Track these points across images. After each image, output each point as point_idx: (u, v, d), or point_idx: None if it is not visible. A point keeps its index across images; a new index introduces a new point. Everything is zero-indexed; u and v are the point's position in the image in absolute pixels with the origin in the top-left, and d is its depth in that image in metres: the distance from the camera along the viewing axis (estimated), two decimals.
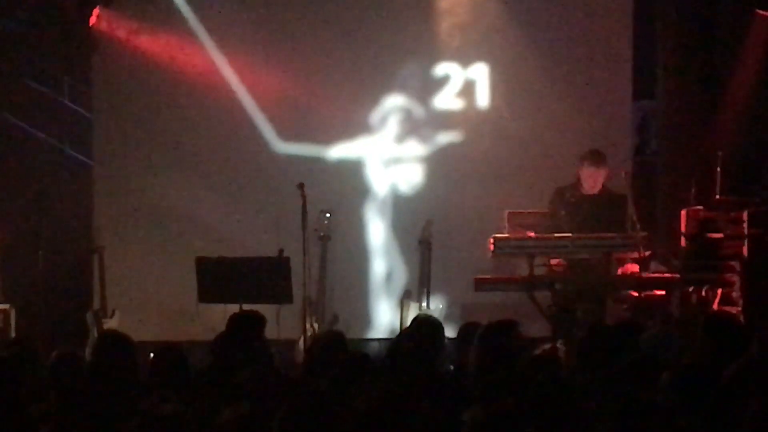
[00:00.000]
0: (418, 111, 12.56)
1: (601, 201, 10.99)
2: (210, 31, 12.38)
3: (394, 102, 12.54)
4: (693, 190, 11.35)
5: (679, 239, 11.32)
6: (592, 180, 11.09)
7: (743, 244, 11.11)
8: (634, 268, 10.92)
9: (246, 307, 9.42)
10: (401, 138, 12.57)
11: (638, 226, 10.58)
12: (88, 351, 9.70)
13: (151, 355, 9.98)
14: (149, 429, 5.08)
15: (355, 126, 12.51)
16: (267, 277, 10.34)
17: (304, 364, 7.33)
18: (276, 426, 5.00)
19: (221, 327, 7.83)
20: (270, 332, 8.19)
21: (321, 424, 5.01)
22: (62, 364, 6.76)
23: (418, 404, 5.78)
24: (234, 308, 9.45)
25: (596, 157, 11.09)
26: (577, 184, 11.22)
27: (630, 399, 5.56)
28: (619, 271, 10.94)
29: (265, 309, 8.62)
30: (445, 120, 12.52)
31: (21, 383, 6.37)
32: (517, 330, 7.19)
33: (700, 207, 11.32)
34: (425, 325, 7.46)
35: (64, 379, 6.60)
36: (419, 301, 11.46)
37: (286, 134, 12.51)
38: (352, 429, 5.21)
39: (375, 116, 12.54)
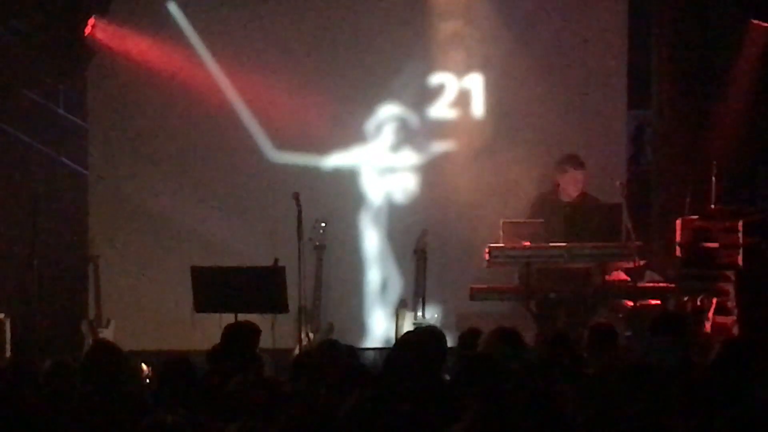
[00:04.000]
0: (413, 120, 12.56)
1: (596, 210, 11.03)
2: (205, 40, 12.38)
3: (389, 111, 12.54)
4: (688, 200, 11.36)
5: (674, 249, 11.33)
6: (576, 183, 11.17)
7: (738, 254, 11.11)
8: (622, 276, 10.94)
9: (241, 316, 9.42)
10: (396, 147, 12.58)
11: (633, 235, 10.62)
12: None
13: (143, 365, 9.99)
14: None
15: (350, 135, 12.51)
16: (262, 287, 10.33)
17: (298, 373, 7.30)
18: None
19: (216, 336, 7.83)
20: (265, 341, 8.21)
21: None
22: (55, 373, 6.75)
23: (415, 414, 5.78)
24: (229, 317, 9.46)
25: (578, 160, 11.22)
26: (555, 191, 11.27)
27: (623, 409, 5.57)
28: (607, 278, 10.96)
29: (260, 318, 8.64)
30: (440, 129, 12.53)
31: (18, 394, 6.36)
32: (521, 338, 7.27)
33: (695, 216, 11.33)
34: (429, 336, 7.46)
35: (57, 387, 6.59)
36: (414, 311, 11.46)
37: (281, 143, 12.50)
38: None
39: (370, 125, 12.55)
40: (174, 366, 6.80)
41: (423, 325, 8.06)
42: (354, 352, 7.48)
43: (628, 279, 10.92)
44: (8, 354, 10.97)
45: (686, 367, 6.82)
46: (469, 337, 7.83)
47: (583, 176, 11.27)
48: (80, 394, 6.45)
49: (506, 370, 6.37)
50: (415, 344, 7.12)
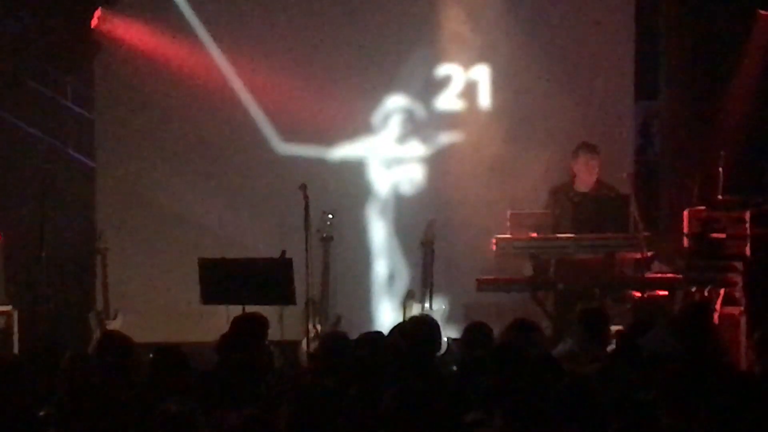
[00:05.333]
0: (420, 111, 12.56)
1: (604, 201, 11.02)
2: (212, 32, 12.38)
3: (395, 102, 12.54)
4: (695, 190, 11.34)
5: (682, 239, 11.31)
6: (590, 169, 11.15)
7: (746, 244, 11.09)
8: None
9: (249, 308, 9.42)
10: (403, 138, 12.57)
11: (641, 226, 10.60)
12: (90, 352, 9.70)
13: (151, 356, 10.02)
14: (156, 428, 5.08)
15: (357, 126, 12.51)
16: (270, 279, 10.33)
17: (310, 365, 7.34)
18: (285, 427, 5.01)
19: (224, 328, 7.85)
20: (273, 333, 8.23)
21: (328, 424, 5.03)
22: (74, 365, 6.77)
23: (422, 404, 5.78)
24: (237, 309, 9.47)
25: (590, 146, 11.21)
26: (571, 182, 11.27)
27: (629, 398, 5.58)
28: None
29: (267, 310, 8.65)
30: (446, 120, 12.52)
31: (33, 385, 6.39)
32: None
33: (703, 207, 11.30)
34: (422, 325, 7.48)
35: (75, 379, 6.61)
36: (422, 302, 11.46)
37: (288, 135, 12.51)
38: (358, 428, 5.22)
39: (377, 117, 12.55)
40: (165, 355, 6.83)
41: (417, 316, 8.07)
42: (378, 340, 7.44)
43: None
44: (16, 346, 10.98)
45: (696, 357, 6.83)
46: (475, 331, 7.80)
47: (596, 162, 11.24)
48: (93, 385, 6.46)
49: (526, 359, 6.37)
50: (408, 334, 7.16)
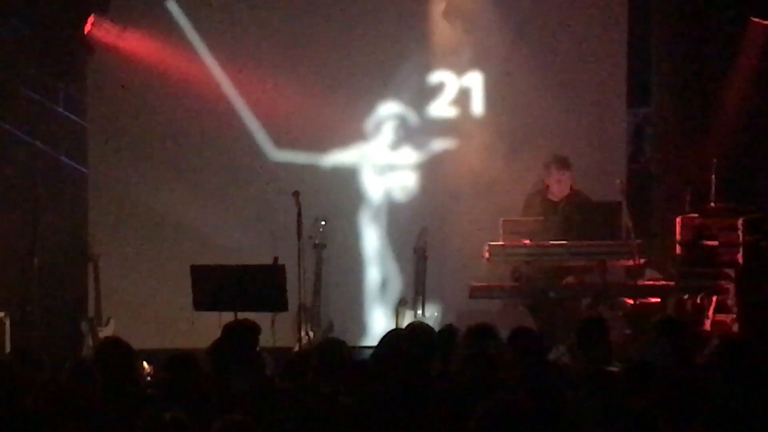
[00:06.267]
0: (413, 118, 12.57)
1: (596, 209, 11.03)
2: (205, 38, 12.39)
3: (388, 109, 12.55)
4: (688, 198, 11.36)
5: (674, 247, 11.33)
6: (562, 184, 11.19)
7: (738, 252, 11.11)
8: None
9: (241, 315, 9.41)
10: (396, 145, 12.58)
11: (633, 233, 10.61)
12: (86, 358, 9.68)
13: (144, 363, 10.01)
14: None
15: (350, 133, 12.51)
16: (262, 285, 10.33)
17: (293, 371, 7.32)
18: None
19: (216, 335, 7.83)
20: (265, 340, 8.20)
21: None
22: (77, 372, 6.75)
23: (413, 408, 5.79)
24: (229, 316, 9.46)
25: (562, 161, 11.24)
26: (545, 190, 11.29)
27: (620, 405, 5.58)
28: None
29: (260, 317, 8.63)
30: (439, 127, 12.53)
31: (21, 391, 6.36)
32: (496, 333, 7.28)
33: (695, 214, 11.32)
34: (420, 332, 7.48)
35: (78, 387, 6.58)
36: (414, 309, 11.46)
37: (281, 142, 12.51)
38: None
39: (370, 123, 12.55)
40: (178, 362, 6.80)
41: (416, 322, 8.10)
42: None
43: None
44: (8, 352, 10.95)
45: (683, 367, 6.83)
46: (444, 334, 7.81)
47: (567, 177, 11.28)
48: (93, 391, 6.45)
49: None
50: (401, 340, 7.15)
